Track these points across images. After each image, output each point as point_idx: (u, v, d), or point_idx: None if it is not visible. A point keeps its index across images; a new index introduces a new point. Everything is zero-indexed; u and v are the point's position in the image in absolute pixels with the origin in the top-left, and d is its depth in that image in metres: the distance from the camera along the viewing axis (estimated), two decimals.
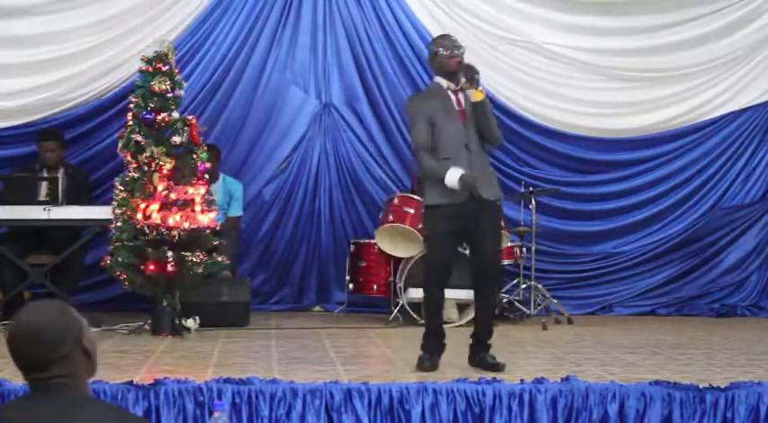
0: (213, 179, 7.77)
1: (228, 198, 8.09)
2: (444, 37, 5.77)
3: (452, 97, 5.53)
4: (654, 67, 8.88)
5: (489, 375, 4.94)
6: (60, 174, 7.59)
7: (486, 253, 5.49)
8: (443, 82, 5.56)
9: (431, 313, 5.64)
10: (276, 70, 8.64)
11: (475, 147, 5.49)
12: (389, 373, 5.25)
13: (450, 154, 5.45)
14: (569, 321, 8.01)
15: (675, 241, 8.97)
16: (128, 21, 8.22)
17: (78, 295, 7.73)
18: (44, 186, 7.39)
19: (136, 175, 6.83)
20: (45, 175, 7.55)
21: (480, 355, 5.51)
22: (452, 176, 5.34)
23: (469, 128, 5.48)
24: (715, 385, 4.76)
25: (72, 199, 7.41)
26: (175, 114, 6.95)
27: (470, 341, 5.60)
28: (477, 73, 5.42)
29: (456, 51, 5.52)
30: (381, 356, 6.24)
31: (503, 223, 6.12)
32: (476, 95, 5.44)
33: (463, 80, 5.43)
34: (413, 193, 7.91)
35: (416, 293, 7.65)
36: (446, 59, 5.52)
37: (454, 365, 5.48)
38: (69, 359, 2.35)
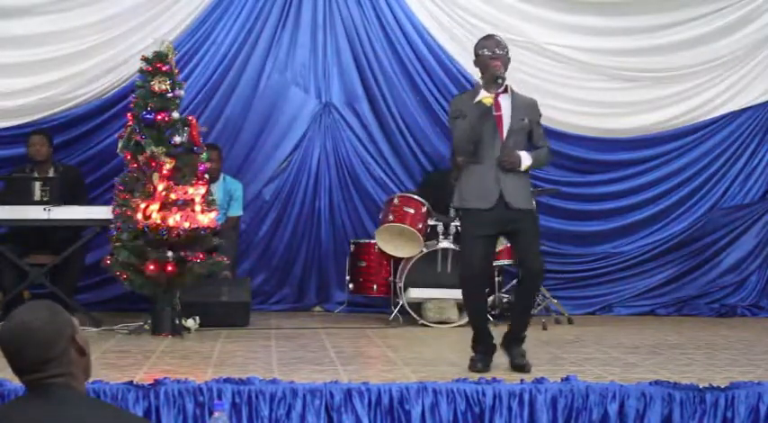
0: (214, 179, 7.77)
1: (228, 198, 8.08)
2: (488, 37, 5.59)
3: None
4: (654, 67, 8.87)
5: (489, 375, 4.94)
6: (51, 174, 7.58)
7: (535, 265, 5.42)
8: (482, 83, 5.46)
9: (473, 316, 5.58)
10: (276, 70, 8.63)
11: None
12: (389, 373, 5.25)
13: (483, 157, 5.36)
14: (569, 321, 8.01)
15: (675, 241, 8.96)
16: (128, 21, 8.22)
17: (78, 295, 7.74)
18: (37, 186, 7.37)
19: (136, 175, 6.84)
20: (36, 174, 7.55)
21: (512, 349, 5.45)
22: (479, 98, 5.29)
23: (507, 134, 5.38)
24: (715, 385, 4.76)
25: (65, 198, 7.38)
26: (175, 114, 6.95)
27: (506, 329, 5.57)
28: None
29: (498, 51, 5.39)
30: (381, 356, 6.24)
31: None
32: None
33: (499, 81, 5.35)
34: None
35: (416, 293, 7.66)
36: (488, 60, 5.38)
37: (454, 365, 5.49)
38: (64, 357, 2.35)
